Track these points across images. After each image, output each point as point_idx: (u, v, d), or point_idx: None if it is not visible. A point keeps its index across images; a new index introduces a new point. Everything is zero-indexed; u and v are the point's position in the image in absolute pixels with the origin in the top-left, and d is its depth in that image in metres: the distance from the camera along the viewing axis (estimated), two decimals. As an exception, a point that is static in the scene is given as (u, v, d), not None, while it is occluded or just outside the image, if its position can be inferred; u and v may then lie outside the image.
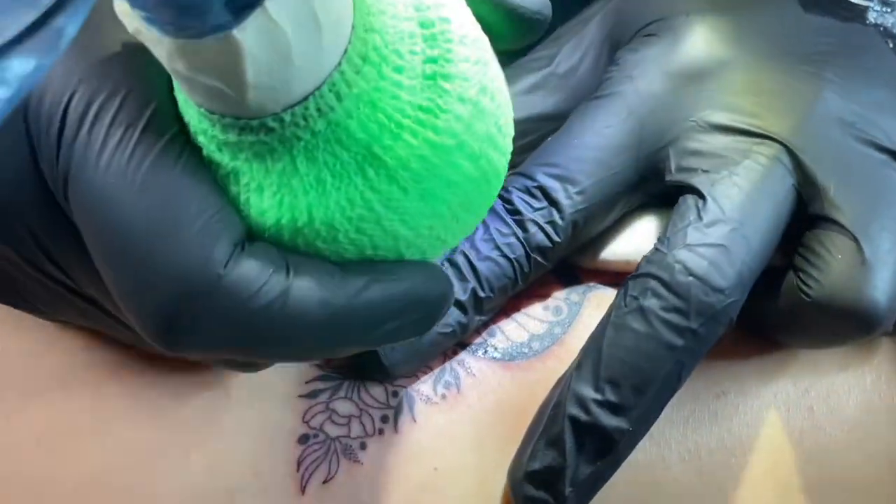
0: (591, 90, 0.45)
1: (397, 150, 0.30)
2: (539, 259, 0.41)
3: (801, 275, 0.40)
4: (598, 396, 0.37)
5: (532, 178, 0.41)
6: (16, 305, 0.36)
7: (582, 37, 0.47)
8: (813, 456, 0.42)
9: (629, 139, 0.42)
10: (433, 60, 0.30)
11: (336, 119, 0.29)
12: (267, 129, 0.29)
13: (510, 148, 0.33)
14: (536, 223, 0.41)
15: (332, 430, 0.40)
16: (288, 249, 0.31)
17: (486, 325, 0.42)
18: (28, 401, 0.38)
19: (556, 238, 0.41)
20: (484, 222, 0.40)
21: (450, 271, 0.40)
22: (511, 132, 0.33)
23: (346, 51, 0.29)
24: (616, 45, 0.46)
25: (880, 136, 0.41)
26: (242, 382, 0.39)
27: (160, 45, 0.27)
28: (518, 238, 0.41)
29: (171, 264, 0.29)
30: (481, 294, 0.40)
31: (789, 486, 0.41)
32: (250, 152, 0.30)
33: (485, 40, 0.32)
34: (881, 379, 0.43)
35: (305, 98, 0.29)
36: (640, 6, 0.45)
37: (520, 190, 0.41)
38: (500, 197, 0.41)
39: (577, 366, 0.38)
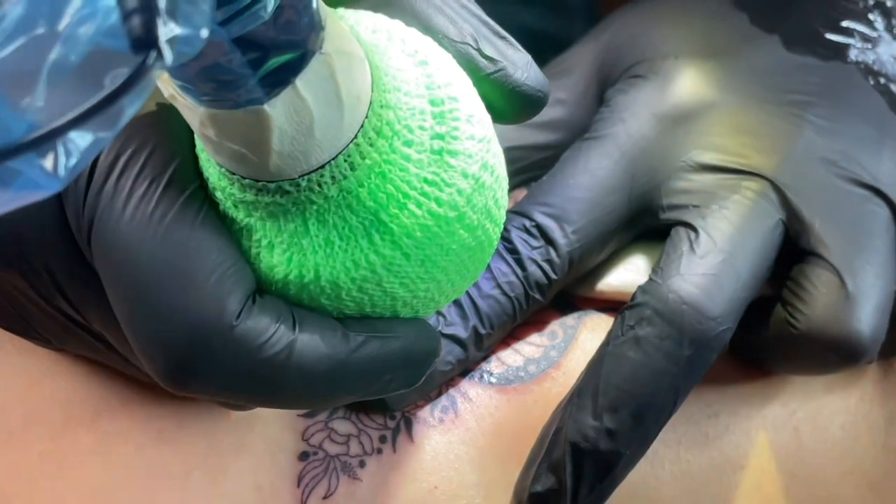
0: (579, 122, 0.47)
1: (402, 219, 0.32)
2: (537, 297, 0.42)
3: (789, 308, 0.41)
4: (597, 423, 0.39)
5: (530, 218, 0.43)
6: (25, 335, 0.37)
7: (572, 71, 0.48)
8: (798, 474, 0.43)
9: (621, 180, 0.43)
10: (441, 137, 0.32)
11: (348, 187, 0.31)
12: (283, 191, 0.31)
13: (503, 219, 0.35)
14: (535, 261, 0.42)
15: (332, 448, 0.41)
16: (293, 303, 0.33)
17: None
18: (31, 421, 0.39)
19: (552, 276, 0.42)
20: None
21: (453, 309, 0.41)
22: (505, 204, 0.35)
23: (362, 125, 0.30)
24: (605, 81, 0.47)
25: (862, 173, 0.42)
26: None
27: (193, 112, 0.29)
28: (518, 277, 0.42)
29: (186, 312, 0.31)
30: (482, 331, 0.41)
31: (776, 502, 0.43)
32: (265, 211, 0.31)
33: (488, 118, 0.34)
34: (864, 401, 0.45)
35: (322, 166, 0.30)
36: (630, 45, 0.47)
37: (518, 229, 0.42)
38: (500, 236, 0.42)
39: (577, 393, 0.40)
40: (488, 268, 0.42)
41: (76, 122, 0.22)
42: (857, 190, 0.42)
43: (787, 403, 0.44)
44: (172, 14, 0.23)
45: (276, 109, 0.28)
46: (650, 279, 0.41)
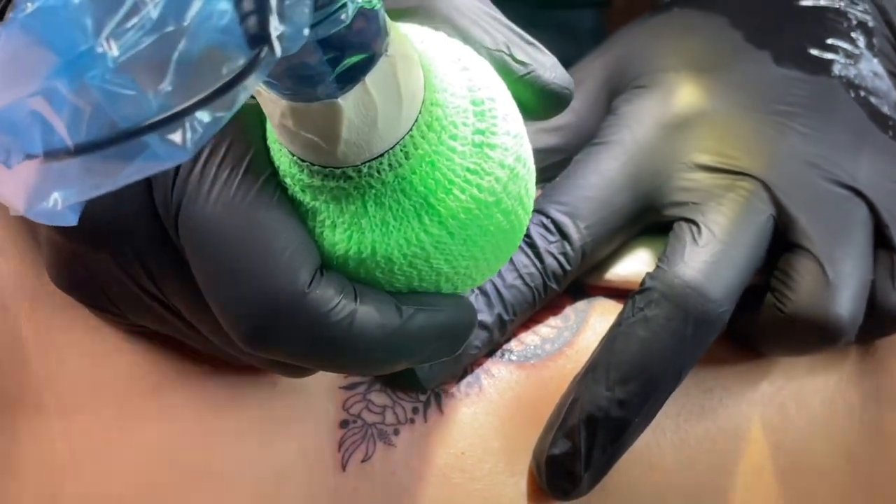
0: (588, 128, 0.49)
1: (448, 202, 0.34)
2: (554, 286, 0.45)
3: (777, 294, 0.44)
4: (610, 394, 0.41)
5: (547, 215, 0.45)
6: (102, 310, 0.39)
7: (582, 82, 0.51)
8: (782, 445, 0.46)
9: (628, 181, 0.45)
10: (481, 132, 0.34)
11: (402, 173, 0.33)
12: (347, 177, 0.33)
13: (532, 208, 0.38)
14: (552, 254, 0.44)
15: (369, 417, 0.43)
16: (351, 277, 0.35)
17: None
18: (98, 393, 0.41)
19: (567, 267, 0.44)
20: None
21: (480, 298, 0.43)
22: (533, 195, 0.37)
23: (416, 119, 0.33)
24: (613, 90, 0.50)
25: (842, 174, 0.45)
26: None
27: (275, 105, 0.31)
28: (537, 268, 0.44)
29: (265, 282, 0.33)
30: (505, 318, 0.44)
31: (762, 470, 0.45)
32: (329, 195, 0.34)
33: (520, 117, 0.36)
34: (843, 381, 0.47)
35: (381, 154, 0.33)
36: (636, 60, 0.49)
37: (536, 225, 0.45)
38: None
39: (592, 368, 0.42)
40: (511, 260, 0.44)
41: (200, 104, 0.24)
42: (837, 190, 0.45)
43: (774, 381, 0.46)
44: (282, 15, 0.25)
45: (348, 103, 0.31)
46: (657, 266, 0.43)
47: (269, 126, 0.34)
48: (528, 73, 0.38)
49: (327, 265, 0.35)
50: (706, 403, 0.45)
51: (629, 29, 0.51)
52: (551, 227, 0.45)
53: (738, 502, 0.45)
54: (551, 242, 0.45)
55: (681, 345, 0.41)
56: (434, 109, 0.34)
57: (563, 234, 0.45)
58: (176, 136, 0.24)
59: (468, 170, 0.34)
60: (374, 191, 0.33)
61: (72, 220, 0.26)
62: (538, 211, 0.45)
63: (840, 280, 0.43)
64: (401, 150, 0.33)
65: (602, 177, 0.45)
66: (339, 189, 0.33)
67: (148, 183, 0.35)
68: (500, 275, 0.44)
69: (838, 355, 0.47)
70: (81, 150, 0.24)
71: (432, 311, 0.36)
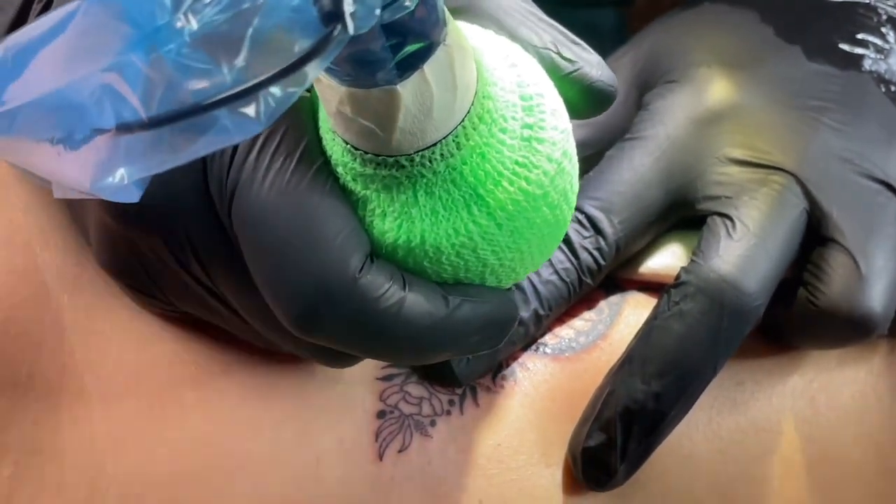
0: (619, 123, 0.49)
1: (497, 194, 0.34)
2: (588, 281, 0.44)
3: (809, 287, 0.43)
4: (646, 387, 0.41)
5: (581, 210, 0.45)
6: (148, 295, 0.39)
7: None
8: (813, 437, 0.45)
9: (661, 175, 0.45)
10: (530, 127, 0.34)
11: (454, 164, 0.33)
12: (399, 165, 0.33)
13: (575, 203, 0.37)
14: (586, 249, 0.44)
15: (406, 409, 0.42)
16: (399, 266, 0.35)
17: None
18: (140, 378, 0.41)
19: (602, 262, 0.44)
20: None
21: (517, 293, 0.43)
22: (577, 191, 0.37)
23: (468, 111, 0.33)
24: (644, 85, 0.49)
25: (874, 169, 0.44)
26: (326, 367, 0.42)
27: (334, 91, 0.31)
28: (573, 264, 0.44)
29: (317, 267, 0.33)
30: (541, 313, 0.43)
31: (792, 461, 0.45)
32: (381, 184, 0.33)
33: (566, 114, 0.36)
34: (872, 373, 0.46)
35: (434, 144, 0.33)
36: (667, 55, 0.49)
37: (571, 220, 0.44)
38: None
39: (627, 361, 0.42)
40: None
41: (274, 79, 0.24)
42: (869, 184, 0.44)
43: (804, 374, 0.46)
44: None
45: (406, 90, 0.30)
46: (692, 260, 0.42)
47: (321, 116, 0.34)
48: (575, 71, 0.38)
49: (376, 254, 0.35)
50: (738, 396, 0.45)
51: (659, 23, 0.51)
52: (585, 222, 0.44)
53: (768, 493, 0.45)
54: (585, 238, 0.44)
55: (716, 338, 0.41)
56: (485, 102, 0.33)
57: (598, 230, 0.44)
58: (249, 110, 0.24)
59: (517, 163, 0.34)
60: (425, 180, 0.33)
61: (135, 197, 0.26)
62: None
63: (872, 274, 0.43)
64: (453, 141, 0.33)
65: (635, 172, 0.45)
66: (391, 178, 0.33)
67: (202, 170, 0.35)
68: (536, 271, 0.43)
69: (868, 348, 0.47)
70: (155, 122, 0.24)
71: (477, 303, 0.35)
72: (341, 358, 0.38)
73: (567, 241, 0.44)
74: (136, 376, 0.40)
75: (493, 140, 0.34)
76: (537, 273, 0.43)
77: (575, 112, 0.37)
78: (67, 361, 0.40)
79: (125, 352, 0.41)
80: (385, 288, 0.33)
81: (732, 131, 0.45)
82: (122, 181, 0.25)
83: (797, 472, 0.45)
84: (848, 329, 0.43)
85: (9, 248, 0.40)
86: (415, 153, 0.33)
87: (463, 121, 0.33)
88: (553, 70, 0.37)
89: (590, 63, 0.38)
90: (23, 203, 0.42)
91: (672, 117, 0.46)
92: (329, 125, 0.33)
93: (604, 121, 0.50)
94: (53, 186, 0.28)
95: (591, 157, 0.48)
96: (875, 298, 0.42)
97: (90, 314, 0.41)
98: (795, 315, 0.44)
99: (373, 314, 0.33)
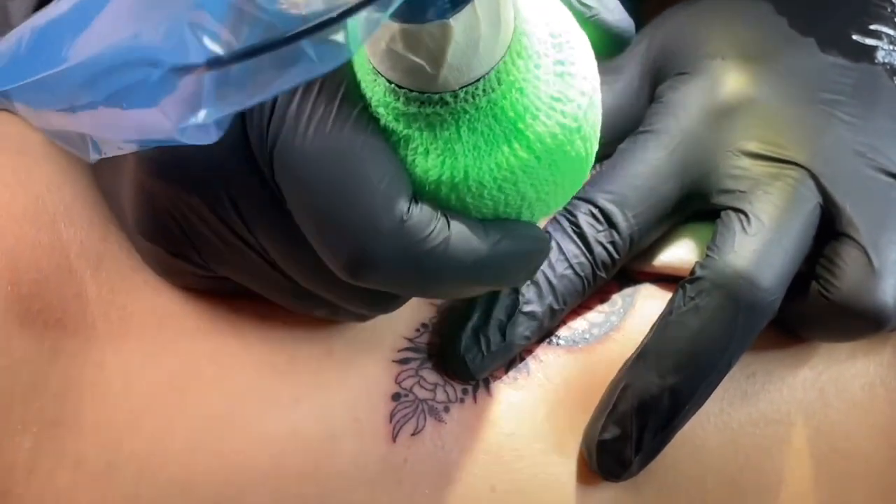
0: (631, 112, 0.48)
1: (536, 128, 0.34)
2: (603, 275, 0.44)
3: (822, 281, 0.43)
4: (661, 381, 0.40)
5: (595, 204, 0.44)
6: (184, 258, 0.39)
7: (623, 69, 0.49)
8: (822, 429, 0.45)
9: (675, 168, 0.44)
10: (561, 63, 0.35)
11: (495, 99, 0.33)
12: (444, 102, 0.33)
13: (599, 140, 0.37)
14: (601, 243, 0.43)
15: (421, 393, 0.42)
16: (442, 203, 0.35)
17: None
18: (162, 350, 0.40)
19: (616, 256, 0.44)
20: (559, 244, 0.43)
21: (532, 289, 0.43)
22: (600, 126, 0.37)
23: (508, 47, 0.33)
24: (657, 76, 0.48)
25: (887, 163, 0.44)
26: (343, 346, 0.42)
27: (385, 29, 0.31)
28: (587, 258, 0.43)
29: (364, 211, 0.33)
30: (556, 307, 0.43)
31: (802, 453, 0.45)
32: (424, 122, 0.34)
33: (591, 50, 0.36)
34: (883, 366, 0.46)
35: (477, 80, 0.33)
36: (680, 47, 0.48)
37: (585, 214, 0.44)
38: (569, 221, 0.44)
39: (643, 355, 0.41)
40: (561, 250, 0.43)
41: (362, 5, 0.25)
42: (883, 178, 0.43)
43: (814, 366, 0.46)
44: None
45: (458, 24, 0.31)
46: (707, 255, 0.42)
47: (357, 60, 0.34)
48: (594, 16, 0.38)
49: (419, 192, 0.35)
50: (749, 388, 0.45)
51: (672, 13, 0.50)
52: (600, 216, 0.44)
53: (778, 484, 0.44)
54: (600, 231, 0.44)
55: (731, 333, 0.40)
56: (522, 39, 0.34)
57: (612, 223, 0.44)
58: (339, 37, 0.25)
59: (552, 97, 0.34)
60: (467, 116, 0.33)
61: (214, 137, 0.26)
62: (586, 199, 0.44)
63: (885, 268, 0.42)
64: (495, 76, 0.33)
65: (649, 165, 0.44)
66: (435, 115, 0.33)
67: (241, 125, 0.34)
68: (551, 266, 0.43)
69: (878, 341, 0.46)
70: (246, 53, 0.24)
71: (515, 238, 0.36)
72: (383, 303, 0.38)
73: (581, 235, 0.44)
74: (156, 351, 0.40)
75: (530, 76, 0.34)
76: (552, 268, 0.43)
77: (595, 53, 0.37)
78: (89, 335, 0.39)
79: (146, 327, 0.40)
80: (432, 227, 0.34)
81: (746, 124, 0.44)
82: (206, 120, 0.25)
83: (806, 463, 0.45)
84: (860, 323, 0.42)
85: (34, 224, 0.40)
86: (459, 89, 0.33)
87: (504, 56, 0.33)
88: (575, 14, 0.37)
89: (607, 7, 0.38)
90: (48, 180, 0.41)
91: (686, 110, 0.45)
92: (369, 67, 0.33)
93: (615, 109, 0.49)
94: (90, 149, 0.27)
95: (604, 146, 0.47)
96: (887, 293, 0.42)
97: (113, 289, 0.40)
98: (808, 309, 0.43)
99: (421, 254, 0.33)
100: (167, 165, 0.36)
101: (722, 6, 0.48)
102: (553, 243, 0.43)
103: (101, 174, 0.41)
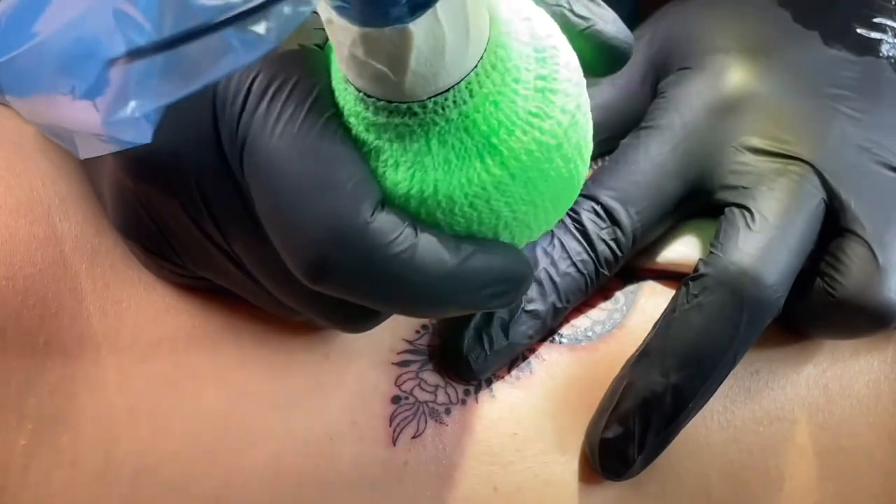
0: (632, 107, 0.48)
1: (511, 143, 0.33)
2: (606, 272, 0.43)
3: (826, 278, 0.42)
4: (665, 380, 0.40)
5: (597, 201, 0.43)
6: (164, 258, 0.38)
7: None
8: (826, 426, 0.44)
9: (678, 165, 0.44)
10: (543, 78, 0.33)
11: (466, 111, 0.32)
12: (412, 113, 0.32)
13: (589, 162, 0.36)
14: (604, 241, 0.43)
15: (421, 396, 0.41)
16: (412, 217, 0.33)
17: None
18: (156, 350, 0.40)
19: (619, 253, 0.43)
20: (561, 242, 0.43)
21: (534, 288, 0.42)
22: (591, 149, 0.36)
23: (481, 58, 0.32)
24: (659, 70, 0.48)
25: (892, 158, 0.43)
26: (340, 349, 0.41)
27: (346, 32, 0.30)
28: (590, 255, 0.43)
29: (328, 212, 0.32)
30: (558, 305, 0.42)
31: (806, 450, 0.44)
32: (394, 133, 0.32)
33: (580, 67, 0.35)
34: (886, 363, 0.45)
35: (447, 90, 0.31)
36: (683, 42, 0.47)
37: (588, 211, 0.43)
38: (572, 218, 0.43)
39: (646, 353, 0.41)
40: (564, 248, 0.43)
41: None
42: (888, 173, 0.43)
43: (818, 363, 0.45)
44: None
45: (419, 29, 0.29)
46: (711, 253, 0.41)
47: (333, 69, 0.33)
48: (589, 28, 0.36)
49: (389, 205, 0.34)
50: (752, 385, 0.44)
51: (673, 7, 0.49)
52: (602, 213, 0.43)
53: (781, 481, 0.44)
54: (603, 228, 0.43)
55: (735, 331, 0.40)
56: (499, 51, 0.32)
57: (615, 220, 0.43)
58: (259, 27, 0.24)
59: (530, 112, 0.33)
60: (437, 128, 0.32)
61: (147, 135, 0.25)
62: (589, 196, 0.44)
63: (891, 265, 0.41)
64: (465, 87, 0.32)
65: (652, 162, 0.44)
66: (404, 126, 0.32)
67: (213, 123, 0.34)
68: (553, 263, 0.42)
69: (882, 338, 0.46)
70: (166, 44, 0.24)
71: (490, 255, 0.34)
72: (356, 319, 0.37)
73: (584, 232, 0.43)
74: (151, 348, 0.40)
75: (507, 89, 0.33)
76: (555, 265, 0.42)
77: (590, 70, 0.36)
78: (85, 330, 0.39)
79: (142, 323, 0.40)
80: (397, 232, 0.32)
81: (750, 119, 0.44)
82: (134, 113, 0.24)
83: (810, 460, 0.44)
84: (865, 320, 0.42)
85: (29, 218, 0.39)
86: (427, 99, 0.32)
87: (476, 67, 0.32)
88: (566, 27, 0.36)
89: (604, 19, 0.37)
90: (43, 173, 0.41)
91: (688, 105, 0.44)
92: (341, 75, 0.32)
93: (617, 104, 0.48)
94: (79, 146, 0.27)
95: (606, 140, 0.46)
96: (893, 290, 0.41)
97: (108, 284, 0.40)
98: (813, 306, 0.43)
99: (385, 259, 0.32)
100: (142, 164, 0.35)
101: (724, 1, 0.48)
102: (555, 241, 0.43)
103: (91, 169, 0.41)
